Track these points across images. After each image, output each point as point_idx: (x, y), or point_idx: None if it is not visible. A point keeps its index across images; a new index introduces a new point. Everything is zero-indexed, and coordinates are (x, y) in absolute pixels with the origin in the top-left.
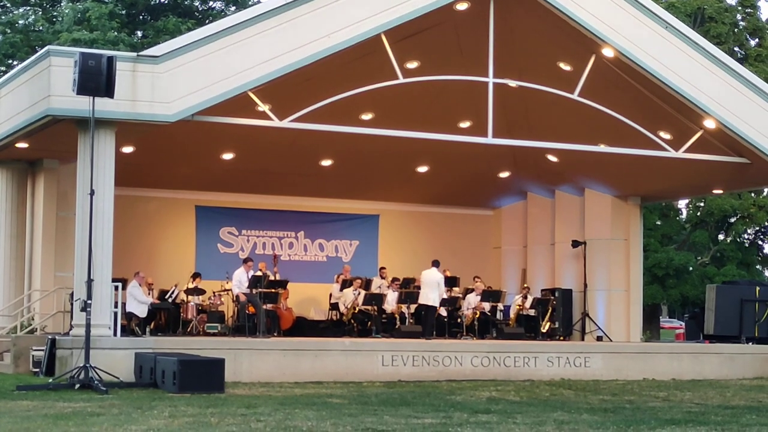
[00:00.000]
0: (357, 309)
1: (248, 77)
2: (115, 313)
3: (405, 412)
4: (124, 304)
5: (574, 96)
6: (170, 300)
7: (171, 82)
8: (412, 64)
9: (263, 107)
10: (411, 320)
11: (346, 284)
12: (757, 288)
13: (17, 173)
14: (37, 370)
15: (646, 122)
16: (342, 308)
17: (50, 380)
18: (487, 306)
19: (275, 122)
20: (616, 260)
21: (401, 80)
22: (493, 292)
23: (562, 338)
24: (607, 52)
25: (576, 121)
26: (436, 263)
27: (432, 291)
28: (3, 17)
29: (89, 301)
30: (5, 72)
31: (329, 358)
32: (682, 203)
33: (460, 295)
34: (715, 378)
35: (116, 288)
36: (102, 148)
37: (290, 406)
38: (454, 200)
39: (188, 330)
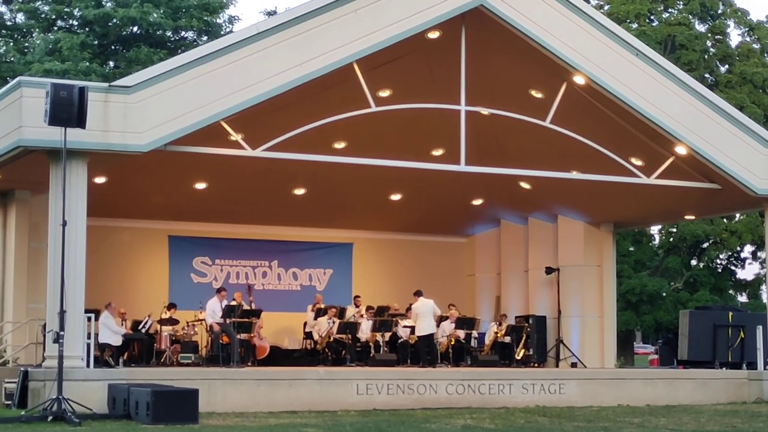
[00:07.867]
0: (331, 338)
1: (221, 107)
2: (88, 344)
3: None
4: (97, 335)
5: (546, 123)
6: (143, 330)
7: (143, 112)
8: (385, 93)
9: (236, 136)
10: (385, 348)
11: (320, 313)
12: (730, 313)
13: None
14: (10, 402)
15: (618, 149)
16: (316, 337)
17: (23, 412)
18: (461, 333)
19: (248, 151)
20: (590, 286)
21: (374, 109)
22: (468, 319)
23: (536, 365)
24: (579, 80)
25: (548, 148)
26: (420, 293)
27: (431, 319)
28: None
29: (62, 333)
30: None
31: (304, 387)
32: (654, 229)
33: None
34: (689, 403)
35: (89, 319)
36: (74, 178)
37: None
38: (428, 228)
39: (162, 360)
